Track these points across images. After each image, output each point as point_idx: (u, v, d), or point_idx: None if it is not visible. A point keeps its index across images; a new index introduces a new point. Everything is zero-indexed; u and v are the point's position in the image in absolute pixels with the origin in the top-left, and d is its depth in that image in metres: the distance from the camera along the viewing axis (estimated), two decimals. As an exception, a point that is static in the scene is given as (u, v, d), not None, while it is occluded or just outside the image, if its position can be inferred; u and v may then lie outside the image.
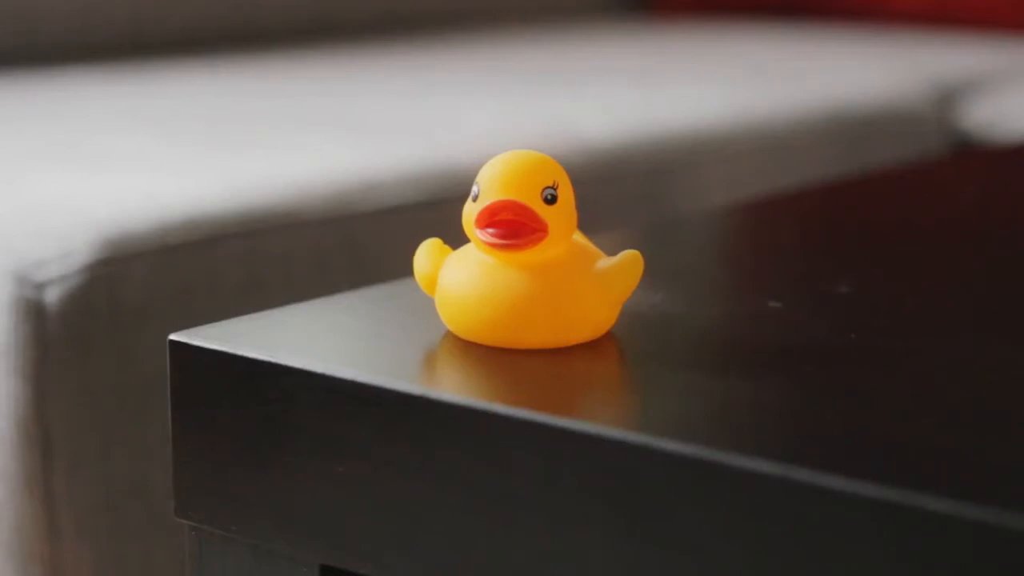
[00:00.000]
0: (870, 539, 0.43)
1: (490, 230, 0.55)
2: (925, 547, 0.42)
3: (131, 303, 0.87)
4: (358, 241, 0.97)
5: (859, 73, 1.59)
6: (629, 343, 0.57)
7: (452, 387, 0.53)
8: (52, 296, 0.85)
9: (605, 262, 0.56)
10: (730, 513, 0.45)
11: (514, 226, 0.54)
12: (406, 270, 0.60)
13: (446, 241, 0.58)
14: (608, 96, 1.40)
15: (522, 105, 1.32)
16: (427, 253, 0.58)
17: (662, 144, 1.23)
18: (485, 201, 0.55)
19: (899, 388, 0.53)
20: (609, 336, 0.57)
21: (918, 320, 0.63)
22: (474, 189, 0.56)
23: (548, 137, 1.15)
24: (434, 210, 1.00)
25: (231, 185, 0.96)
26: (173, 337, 0.57)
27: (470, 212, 0.55)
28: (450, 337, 0.57)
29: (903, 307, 0.65)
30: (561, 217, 0.55)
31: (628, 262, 0.56)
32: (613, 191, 1.17)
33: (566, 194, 0.56)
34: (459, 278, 0.56)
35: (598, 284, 0.56)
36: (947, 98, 1.56)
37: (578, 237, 0.58)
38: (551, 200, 0.55)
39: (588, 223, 1.05)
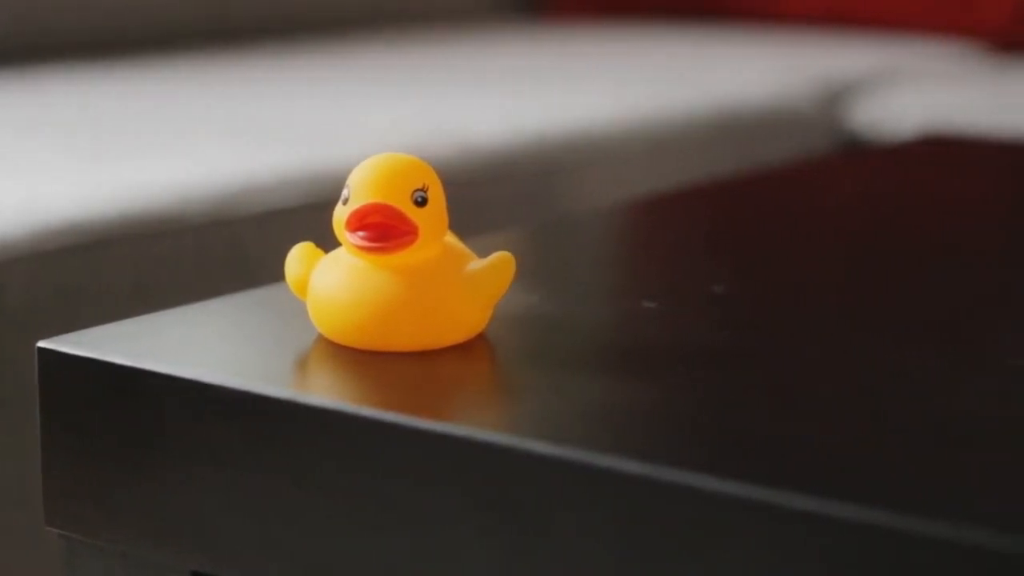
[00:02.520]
0: (740, 538, 0.43)
1: (360, 233, 0.54)
2: (794, 545, 0.43)
3: (10, 309, 0.86)
4: (243, 245, 0.97)
5: (749, 74, 1.60)
6: (501, 345, 0.57)
7: (322, 391, 0.53)
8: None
9: (476, 264, 0.56)
10: (601, 514, 0.46)
11: (383, 229, 0.54)
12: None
13: (331, 244, 0.58)
14: (497, 98, 1.40)
15: (410, 108, 1.32)
16: (298, 257, 0.58)
17: (550, 146, 1.23)
18: (355, 204, 0.55)
19: (770, 387, 0.53)
20: (481, 338, 0.57)
21: (792, 319, 0.63)
22: (344, 192, 0.55)
23: (435, 140, 1.15)
24: (319, 213, 0.99)
25: (115, 190, 0.95)
26: (41, 344, 0.56)
27: (340, 215, 0.55)
28: (322, 341, 0.56)
29: (777, 306, 0.65)
30: (432, 219, 0.55)
31: (499, 264, 0.56)
32: (501, 193, 1.17)
33: (437, 196, 0.56)
34: (329, 282, 0.56)
35: (469, 286, 0.56)
36: (835, 98, 1.58)
37: (450, 239, 0.58)
38: (421, 202, 0.55)
39: (477, 225, 1.05)
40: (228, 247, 0.96)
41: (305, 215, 1.00)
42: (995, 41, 1.91)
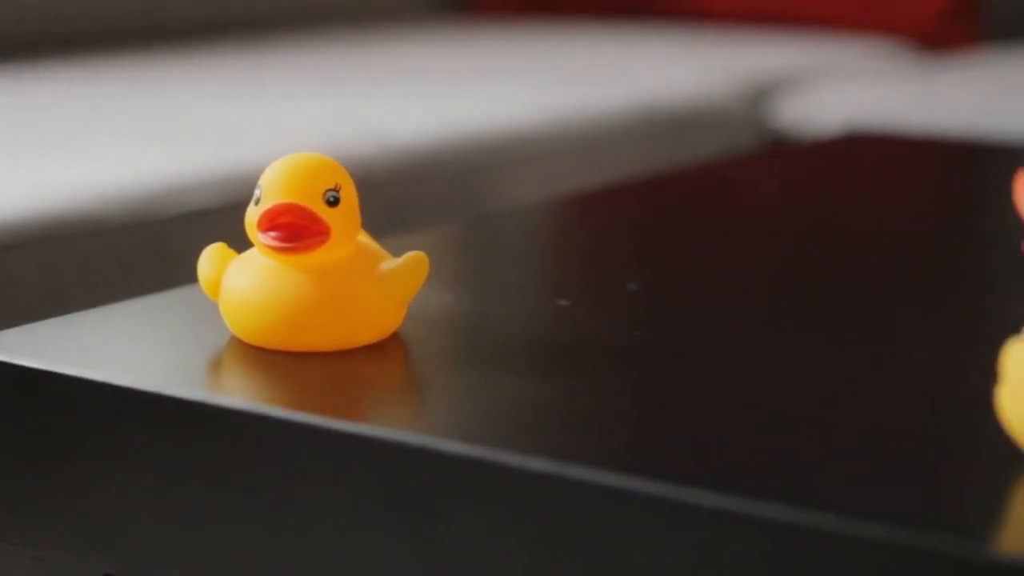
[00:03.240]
0: (646, 535, 0.44)
1: (271, 233, 0.54)
2: (701, 542, 0.43)
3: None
4: (163, 246, 0.96)
5: (674, 72, 1.61)
6: (415, 344, 0.57)
7: (233, 392, 0.53)
8: None
9: (389, 264, 0.56)
10: (509, 511, 0.46)
11: (295, 229, 0.54)
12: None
13: (250, 245, 0.57)
14: (421, 97, 1.40)
15: (333, 107, 1.31)
16: (211, 258, 0.57)
17: (474, 145, 1.23)
18: (266, 204, 0.55)
19: (680, 385, 0.53)
20: (395, 337, 0.57)
21: (706, 317, 0.64)
22: (256, 192, 0.55)
23: (357, 139, 1.15)
24: (239, 214, 0.99)
25: (33, 191, 0.94)
26: (-51, 347, 0.56)
27: (252, 216, 0.55)
28: (235, 342, 0.56)
29: (691, 304, 0.66)
30: (344, 219, 0.55)
31: (412, 263, 0.56)
32: (426, 193, 1.16)
33: (349, 196, 0.56)
34: (242, 282, 0.56)
35: (381, 286, 0.56)
36: (760, 96, 1.58)
37: (364, 239, 0.58)
38: (333, 202, 0.55)
39: (402, 225, 1.05)
40: (148, 248, 0.96)
41: (226, 215, 0.99)
42: (921, 39, 1.92)
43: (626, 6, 2.08)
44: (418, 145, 1.18)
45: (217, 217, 0.99)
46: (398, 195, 1.13)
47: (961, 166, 1.09)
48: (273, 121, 1.23)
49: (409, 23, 2.00)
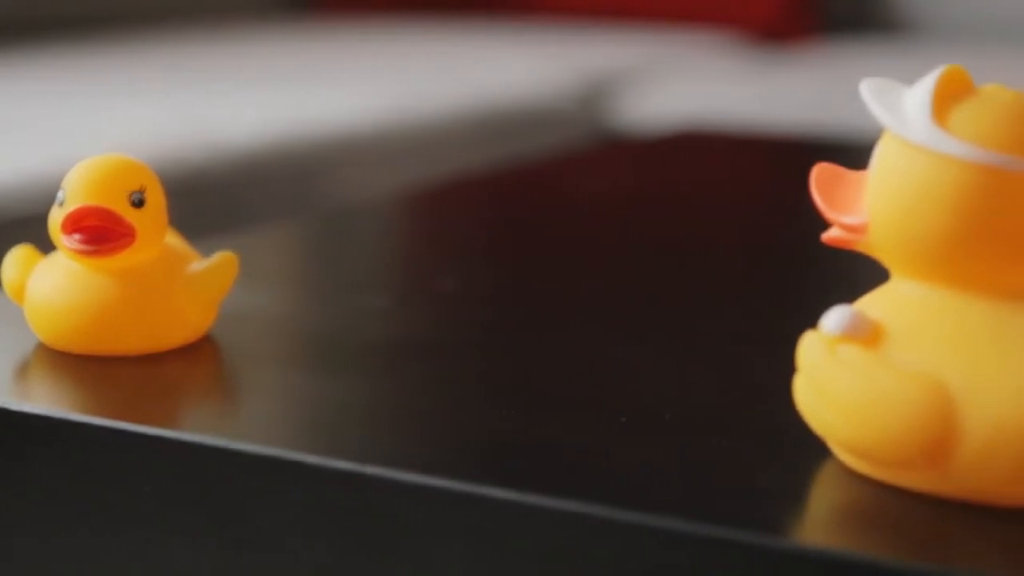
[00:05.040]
0: (446, 532, 0.43)
1: (75, 236, 0.54)
2: (500, 538, 0.43)
3: None
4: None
5: (512, 69, 1.61)
6: (226, 345, 0.56)
7: (39, 399, 0.52)
8: None
9: (198, 265, 0.56)
10: (314, 512, 0.45)
11: (99, 231, 0.53)
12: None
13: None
14: (257, 96, 1.39)
15: (167, 108, 1.30)
16: (15, 261, 0.56)
17: (310, 146, 1.22)
18: (70, 207, 0.54)
19: (485, 382, 0.53)
20: (206, 339, 0.56)
21: (520, 316, 0.64)
22: (59, 195, 0.54)
23: (188, 140, 1.14)
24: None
25: None
26: None
27: (56, 218, 0.54)
28: (41, 348, 0.55)
29: (507, 301, 0.66)
30: (150, 221, 0.55)
31: (221, 264, 0.56)
32: (261, 195, 1.16)
33: (155, 198, 0.55)
34: (47, 286, 0.55)
35: (190, 287, 0.55)
36: (598, 93, 1.59)
37: (173, 240, 0.58)
38: (138, 204, 0.54)
39: (234, 228, 1.04)
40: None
41: (44, 219, 0.97)
42: (760, 32, 1.94)
43: (470, 2, 2.08)
44: (252, 146, 1.17)
45: (36, 221, 0.97)
46: (232, 197, 1.12)
47: (791, 163, 1.11)
48: (102, 123, 1.21)
49: (250, 21, 1.99)
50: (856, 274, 0.51)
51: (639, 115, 1.55)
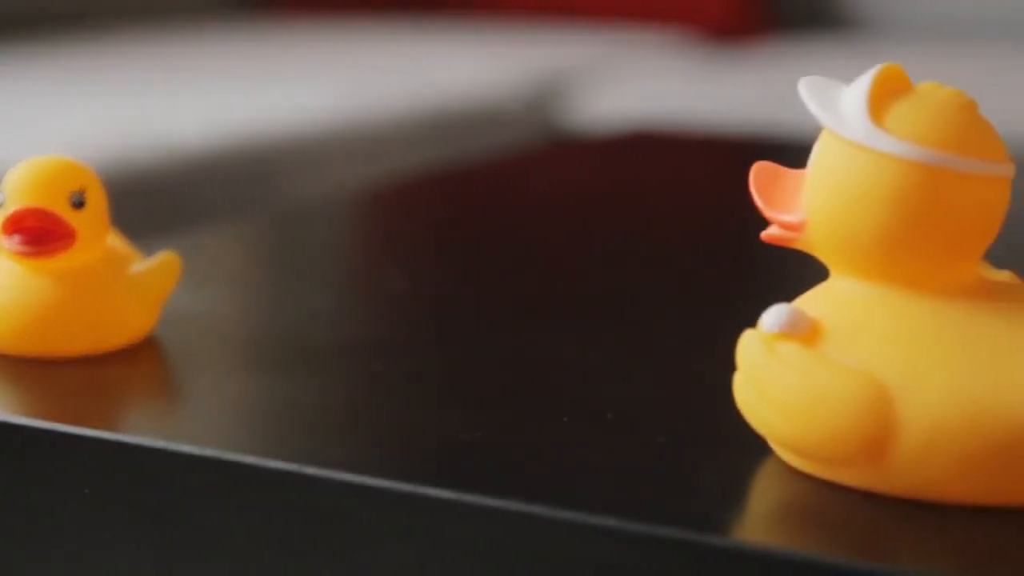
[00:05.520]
0: (389, 533, 0.43)
1: (15, 237, 0.53)
2: (437, 538, 0.43)
3: None
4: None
5: (463, 69, 1.61)
6: (169, 347, 0.56)
7: (-23, 401, 0.52)
8: None
9: (139, 265, 0.56)
10: (252, 512, 0.45)
11: (39, 232, 0.53)
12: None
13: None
14: (207, 97, 1.38)
15: (115, 108, 1.29)
16: (-44, 263, 0.56)
17: (258, 146, 1.22)
18: (10, 208, 0.54)
19: (427, 382, 0.53)
20: (149, 341, 0.56)
21: (467, 316, 0.64)
22: (0, 196, 0.54)
23: (137, 141, 1.13)
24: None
25: None
26: None
27: (-4, 220, 0.54)
28: (-17, 350, 0.55)
29: (452, 302, 0.66)
30: (91, 222, 0.54)
31: (163, 264, 0.56)
32: (210, 195, 1.15)
33: (96, 199, 0.55)
34: (-14, 288, 0.54)
35: (132, 288, 0.55)
36: (549, 92, 1.59)
37: (115, 241, 0.57)
38: (79, 205, 0.54)
39: (182, 228, 1.04)
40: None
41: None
42: (714, 30, 1.94)
43: (421, 1, 2.07)
44: (201, 146, 1.17)
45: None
46: (181, 198, 1.11)
47: (740, 162, 1.11)
48: (46, 123, 1.20)
49: (200, 20, 1.98)
50: (800, 272, 0.51)
51: (590, 114, 1.55)
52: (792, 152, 0.44)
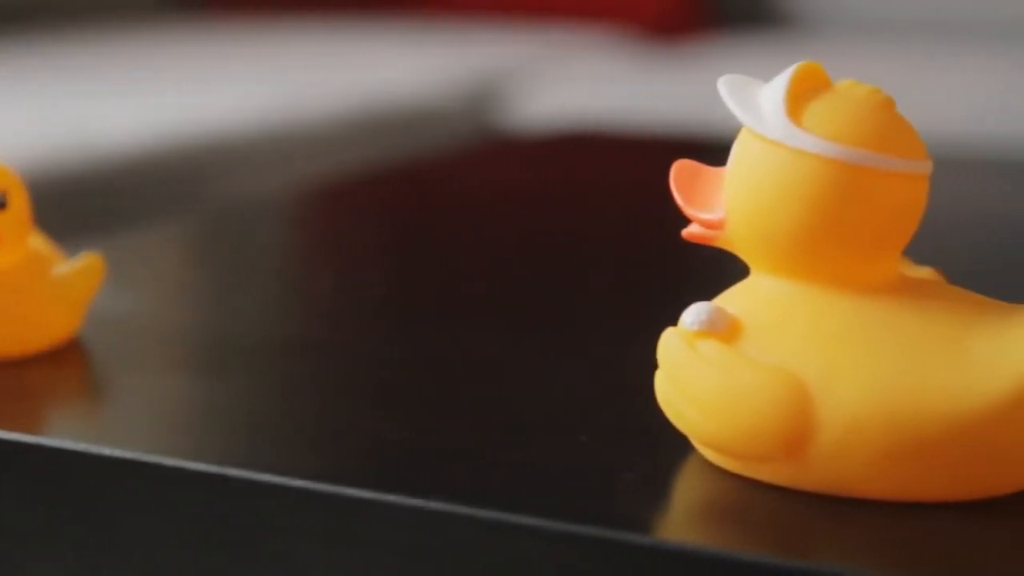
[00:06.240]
0: (311, 534, 0.43)
1: (-65, 239, 0.53)
2: (369, 540, 0.43)
3: None
4: None
5: (401, 68, 1.61)
6: (93, 349, 0.56)
7: None
8: None
9: (63, 267, 0.55)
10: (173, 514, 0.45)
11: (-42, 235, 0.53)
12: None
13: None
14: (139, 98, 1.37)
15: (44, 110, 1.28)
16: None
17: (192, 146, 1.21)
18: (-69, 211, 0.53)
19: (348, 383, 0.53)
20: (73, 343, 0.56)
21: (387, 313, 0.64)
22: (-79, 199, 0.54)
23: (68, 143, 1.12)
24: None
25: None
26: None
27: (-84, 222, 0.53)
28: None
29: (375, 301, 0.66)
30: (12, 224, 0.54)
31: (86, 266, 0.55)
32: (141, 197, 1.14)
33: (18, 200, 0.54)
34: (-94, 291, 0.54)
35: (55, 290, 0.55)
36: (486, 92, 1.59)
37: (38, 243, 0.57)
38: (0, 206, 0.53)
39: (111, 231, 1.03)
40: None
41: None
42: (653, 28, 1.94)
43: (357, 1, 2.06)
44: (132, 148, 1.16)
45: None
46: (112, 201, 1.10)
47: (672, 161, 1.11)
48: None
49: (132, 21, 1.97)
50: (726, 270, 0.51)
51: (528, 114, 1.54)
52: (727, 151, 0.44)
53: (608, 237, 0.82)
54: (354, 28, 1.93)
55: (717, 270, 0.59)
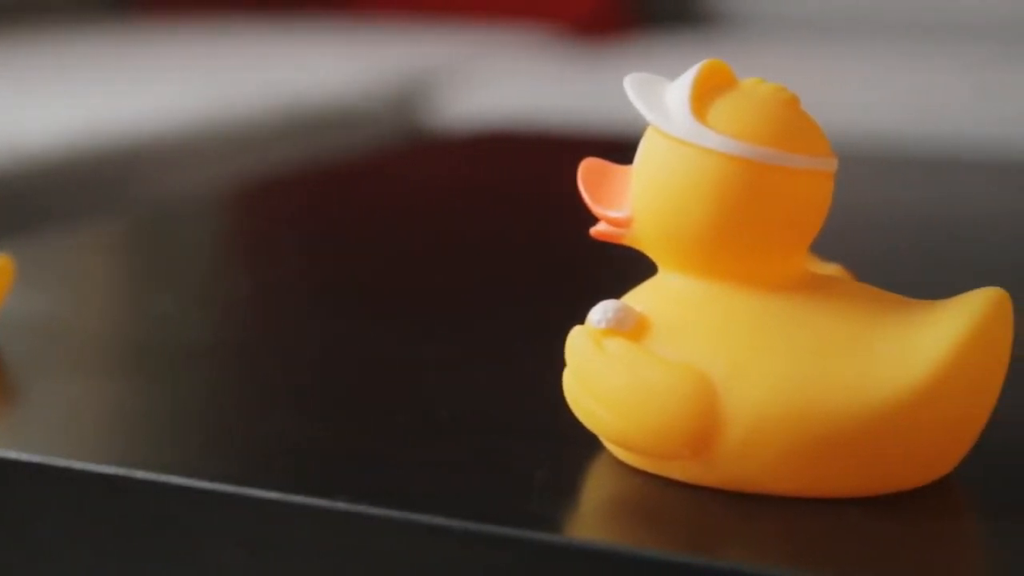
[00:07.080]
0: (219, 536, 0.43)
1: None
2: (278, 542, 0.42)
3: None
4: None
5: (327, 68, 1.60)
6: (3, 352, 0.55)
7: None
8: None
9: (-29, 270, 0.55)
10: (78, 519, 0.45)
11: None
12: None
13: None
14: (64, 99, 1.36)
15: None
16: None
17: (117, 148, 1.20)
18: None
19: (263, 384, 0.53)
20: (-17, 346, 0.55)
21: (304, 314, 0.63)
22: None
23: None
24: None
25: None
26: None
27: None
28: None
29: (303, 303, 0.65)
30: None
31: (-4, 268, 0.55)
32: (63, 199, 1.14)
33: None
34: None
35: (-37, 294, 0.54)
36: (412, 92, 1.59)
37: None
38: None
39: (31, 232, 1.02)
40: None
41: None
42: (579, 27, 1.94)
43: (284, 1, 2.06)
44: (55, 150, 1.15)
45: None
46: (33, 203, 1.09)
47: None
48: None
49: (59, 21, 1.95)
50: (640, 268, 0.51)
51: (453, 114, 1.54)
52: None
53: (525, 236, 0.82)
54: (281, 28, 1.92)
55: (631, 268, 0.59)
